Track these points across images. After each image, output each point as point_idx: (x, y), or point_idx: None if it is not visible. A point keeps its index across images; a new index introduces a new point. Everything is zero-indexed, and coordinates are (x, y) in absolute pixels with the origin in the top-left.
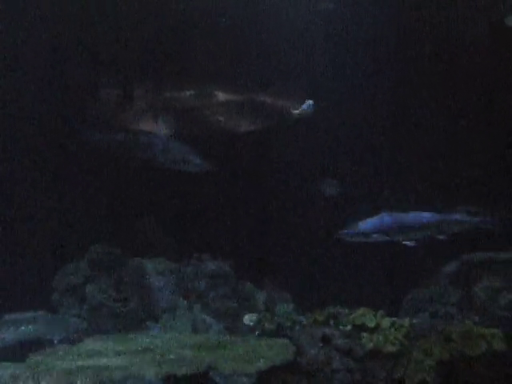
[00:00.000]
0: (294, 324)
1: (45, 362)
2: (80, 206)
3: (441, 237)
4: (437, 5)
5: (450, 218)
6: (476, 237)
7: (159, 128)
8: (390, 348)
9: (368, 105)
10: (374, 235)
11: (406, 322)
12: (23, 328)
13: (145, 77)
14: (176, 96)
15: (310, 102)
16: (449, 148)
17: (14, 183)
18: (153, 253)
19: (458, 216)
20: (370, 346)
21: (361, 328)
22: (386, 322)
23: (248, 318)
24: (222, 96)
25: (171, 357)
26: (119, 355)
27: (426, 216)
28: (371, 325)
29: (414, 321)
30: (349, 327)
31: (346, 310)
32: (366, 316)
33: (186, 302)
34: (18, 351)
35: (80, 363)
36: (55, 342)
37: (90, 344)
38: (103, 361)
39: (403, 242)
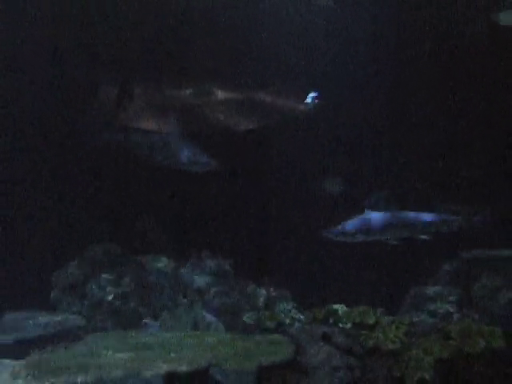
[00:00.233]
0: (294, 322)
1: (45, 360)
2: (80, 205)
3: (424, 237)
4: (436, 2)
5: (433, 218)
6: (475, 235)
7: (161, 127)
8: (390, 346)
9: (357, 104)
10: (358, 235)
11: (406, 319)
12: (24, 326)
13: (146, 76)
14: (177, 94)
15: (314, 94)
16: (437, 146)
17: (14, 182)
18: (152, 251)
19: (442, 216)
20: (370, 343)
21: (361, 326)
22: (385, 320)
23: (248, 316)
24: (221, 94)
25: (171, 354)
26: (119, 353)
27: (411, 215)
28: (371, 322)
29: (414, 319)
30: (349, 325)
31: (346, 308)
32: (365, 314)
33: (185, 299)
34: (19, 349)
35: (80, 361)
36: (56, 339)
37: (90, 341)
38: (103, 359)
39: (388, 241)
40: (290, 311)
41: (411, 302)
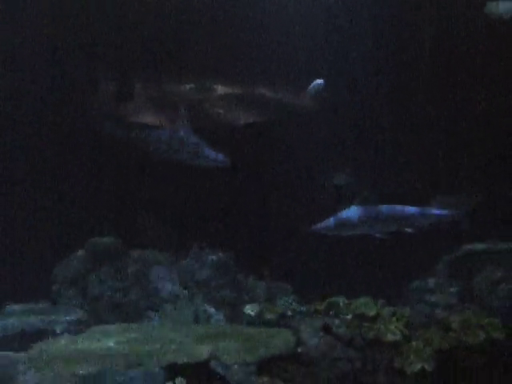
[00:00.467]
0: (295, 314)
1: (47, 352)
2: (81, 198)
3: (409, 230)
4: None
5: (420, 212)
6: (476, 228)
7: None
8: (391, 337)
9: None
10: (343, 229)
11: (407, 311)
12: (25, 318)
13: (153, 72)
14: (185, 91)
15: (320, 81)
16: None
17: (15, 176)
18: (153, 244)
19: (429, 210)
20: (371, 335)
21: (361, 317)
22: (386, 312)
23: (249, 308)
24: (222, 89)
25: (172, 346)
26: (120, 345)
27: (397, 209)
28: (372, 314)
29: (415, 310)
30: (349, 317)
31: (347, 300)
32: (366, 305)
33: (186, 292)
34: (20, 341)
35: (81, 353)
36: (57, 332)
37: (91, 334)
38: (104, 351)
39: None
40: (291, 303)
41: (412, 293)
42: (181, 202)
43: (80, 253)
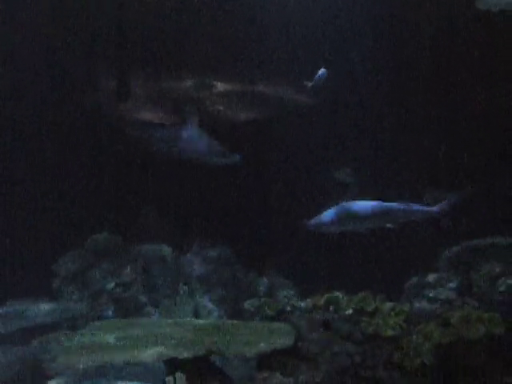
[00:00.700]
0: (295, 309)
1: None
2: (81, 195)
3: (389, 225)
4: None
5: (408, 208)
6: (476, 223)
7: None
8: (390, 332)
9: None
10: (333, 226)
11: (406, 306)
12: (27, 314)
13: (150, 69)
14: (180, 87)
15: (324, 70)
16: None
17: (15, 174)
18: (153, 239)
19: (416, 206)
20: (370, 330)
21: (361, 312)
22: (385, 307)
23: (249, 304)
24: (221, 86)
25: (172, 341)
26: (121, 340)
27: (386, 206)
28: (371, 309)
29: (414, 305)
30: (349, 312)
31: (347, 295)
32: (366, 300)
33: (186, 287)
34: (22, 337)
35: (82, 348)
36: (57, 327)
37: (92, 329)
38: (105, 345)
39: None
40: (291, 299)
41: (411, 288)
42: (181, 197)
43: (80, 249)
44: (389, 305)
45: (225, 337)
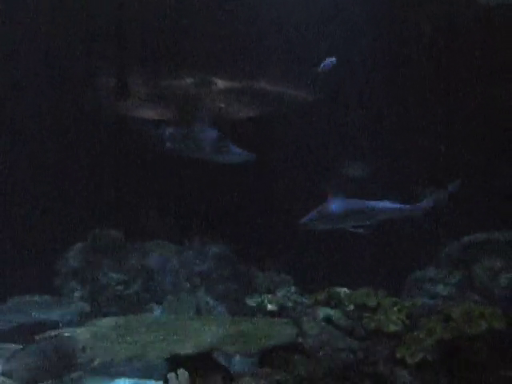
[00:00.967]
0: (296, 305)
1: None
2: (83, 191)
3: (367, 223)
4: None
5: (390, 206)
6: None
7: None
8: (392, 328)
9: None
10: (320, 223)
11: (408, 301)
12: (28, 311)
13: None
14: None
15: (332, 59)
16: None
17: (17, 168)
18: (155, 236)
19: (398, 204)
20: (372, 325)
21: (362, 308)
22: (387, 302)
23: (250, 300)
24: (221, 83)
25: (174, 337)
26: (123, 337)
27: (370, 204)
28: (373, 304)
29: (416, 301)
30: (351, 307)
31: (348, 291)
32: (367, 296)
33: (188, 284)
34: (24, 333)
35: (84, 345)
36: (60, 324)
37: (94, 326)
38: (107, 342)
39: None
40: (292, 295)
41: (413, 284)
42: (183, 194)
43: (82, 245)
44: (390, 300)
45: (226, 333)
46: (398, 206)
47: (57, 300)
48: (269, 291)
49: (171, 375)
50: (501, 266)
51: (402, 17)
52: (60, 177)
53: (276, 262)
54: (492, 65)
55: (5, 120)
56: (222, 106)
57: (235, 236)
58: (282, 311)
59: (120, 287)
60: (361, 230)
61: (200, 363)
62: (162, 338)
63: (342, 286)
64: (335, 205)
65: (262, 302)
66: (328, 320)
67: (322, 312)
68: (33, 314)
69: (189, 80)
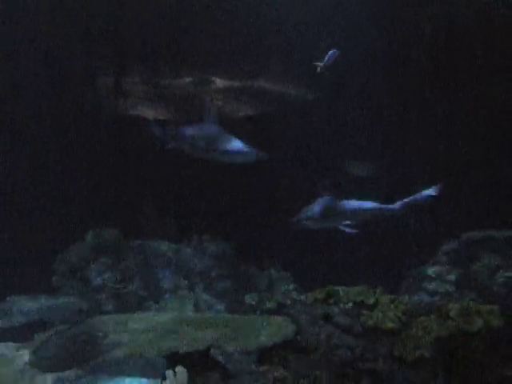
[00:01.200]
0: (295, 303)
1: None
2: (82, 190)
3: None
4: None
5: (370, 205)
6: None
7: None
8: (390, 325)
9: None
10: (310, 222)
11: (405, 299)
12: (27, 310)
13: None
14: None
15: (335, 51)
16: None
17: (17, 168)
18: (154, 234)
19: (377, 204)
20: (370, 323)
21: (361, 305)
22: (385, 300)
23: (249, 298)
24: (221, 82)
25: (173, 335)
26: (121, 334)
27: (355, 204)
28: (371, 302)
29: (414, 298)
30: (349, 305)
31: (346, 289)
32: (365, 293)
33: (187, 281)
34: (23, 332)
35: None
36: (57, 323)
37: (92, 324)
38: (106, 340)
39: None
40: (291, 293)
41: (411, 281)
42: (182, 192)
43: (81, 244)
44: (388, 298)
45: (225, 331)
46: (378, 206)
47: (55, 299)
48: (268, 289)
49: (169, 373)
50: (499, 264)
51: (403, 17)
52: (58, 176)
53: (275, 260)
54: (492, 65)
55: (4, 120)
56: (228, 104)
57: (234, 234)
58: (280, 309)
59: (118, 286)
60: (348, 229)
61: (198, 361)
62: (160, 335)
63: (341, 283)
64: (323, 205)
65: (261, 299)
66: (326, 318)
67: (321, 310)
68: (31, 312)
69: (193, 79)
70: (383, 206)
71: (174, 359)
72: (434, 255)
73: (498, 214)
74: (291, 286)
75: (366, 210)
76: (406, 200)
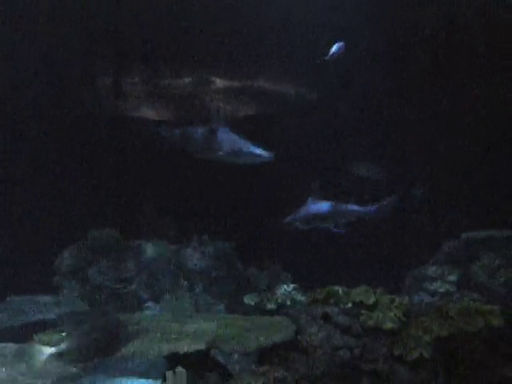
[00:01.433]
0: (295, 303)
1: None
2: (81, 190)
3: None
4: None
5: (349, 207)
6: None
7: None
8: (390, 325)
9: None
10: (299, 223)
11: (405, 299)
12: (27, 310)
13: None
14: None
15: (341, 43)
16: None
17: (16, 168)
18: (154, 235)
19: (355, 206)
20: (370, 323)
21: (360, 306)
22: (385, 300)
23: (249, 298)
24: (221, 82)
25: (173, 336)
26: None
27: (343, 206)
28: (371, 302)
29: (414, 298)
30: (349, 305)
31: (346, 289)
32: (365, 293)
33: (186, 282)
34: (22, 332)
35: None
36: (57, 323)
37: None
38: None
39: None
40: (291, 293)
41: (411, 281)
42: (181, 192)
43: (80, 244)
44: (388, 298)
45: (225, 331)
46: (361, 207)
47: (55, 299)
48: (267, 289)
49: (169, 373)
50: (499, 264)
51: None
52: (58, 176)
53: (275, 260)
54: (492, 64)
55: (4, 120)
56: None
57: (234, 234)
58: (280, 309)
59: (118, 286)
60: (336, 229)
61: (198, 361)
62: (160, 336)
63: (341, 284)
64: (312, 207)
65: (261, 300)
66: (326, 318)
67: (321, 310)
68: (31, 312)
69: (193, 79)
70: (360, 208)
71: (174, 360)
72: (434, 255)
73: (497, 213)
74: (291, 286)
75: (350, 212)
76: (383, 203)
